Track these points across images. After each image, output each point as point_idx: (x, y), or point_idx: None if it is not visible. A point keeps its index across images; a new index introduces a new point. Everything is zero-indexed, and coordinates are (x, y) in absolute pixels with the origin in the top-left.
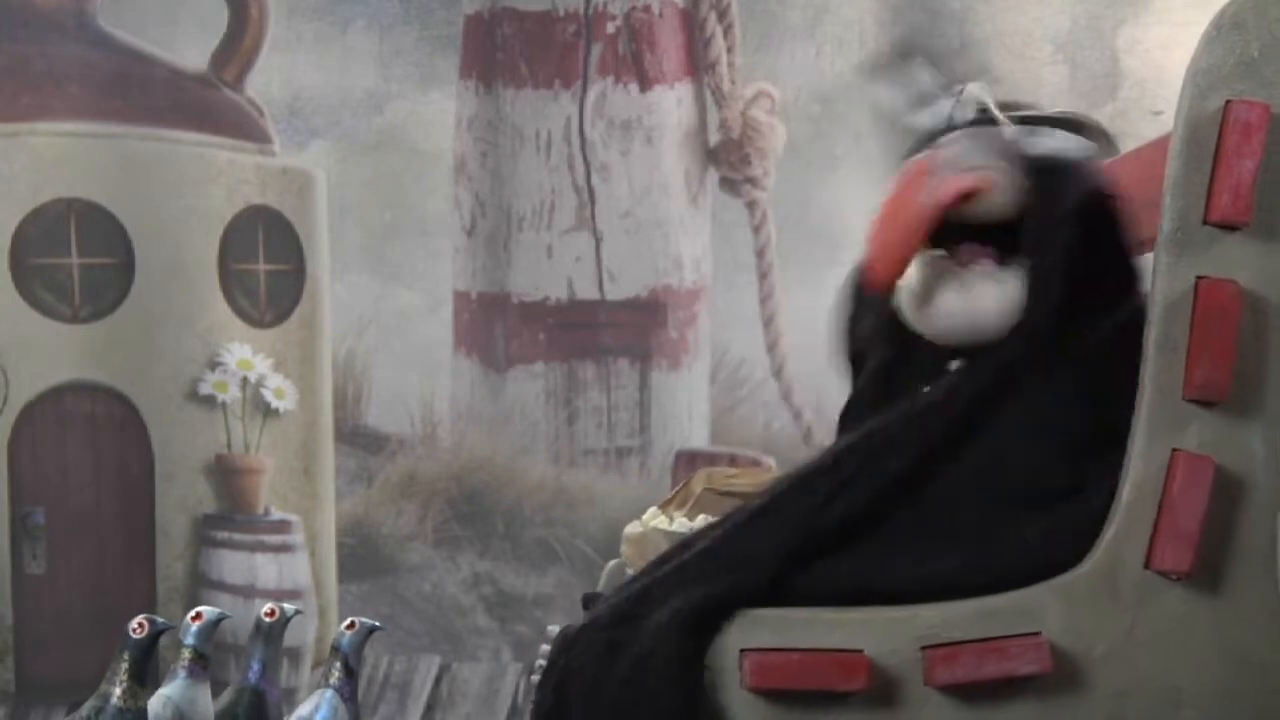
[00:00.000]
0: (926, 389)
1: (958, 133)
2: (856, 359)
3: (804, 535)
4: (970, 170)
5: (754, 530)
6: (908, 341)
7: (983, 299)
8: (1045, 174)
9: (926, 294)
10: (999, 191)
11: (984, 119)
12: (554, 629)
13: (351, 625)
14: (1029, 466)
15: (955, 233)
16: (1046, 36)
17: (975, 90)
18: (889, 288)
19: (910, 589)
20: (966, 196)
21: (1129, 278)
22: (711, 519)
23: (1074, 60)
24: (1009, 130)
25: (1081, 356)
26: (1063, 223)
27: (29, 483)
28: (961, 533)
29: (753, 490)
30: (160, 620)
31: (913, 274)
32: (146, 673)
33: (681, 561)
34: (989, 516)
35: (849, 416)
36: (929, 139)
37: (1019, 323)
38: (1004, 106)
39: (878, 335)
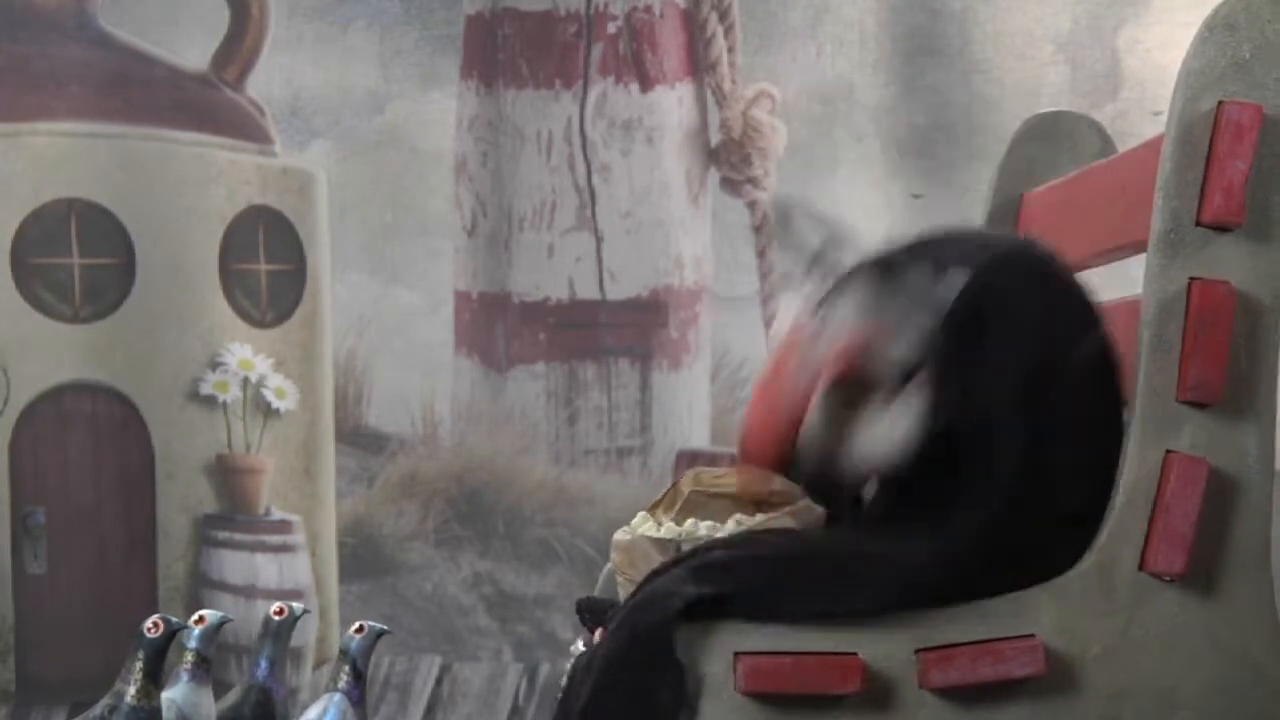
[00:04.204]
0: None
1: (833, 293)
2: None
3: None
4: (849, 330)
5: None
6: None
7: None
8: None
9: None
10: (885, 343)
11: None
12: (577, 646)
13: (360, 629)
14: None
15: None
16: (1047, 36)
17: (836, 236)
18: (775, 465)
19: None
20: (856, 356)
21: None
22: (699, 521)
23: (1074, 60)
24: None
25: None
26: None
27: (29, 483)
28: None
29: (741, 491)
30: (175, 620)
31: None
32: (160, 672)
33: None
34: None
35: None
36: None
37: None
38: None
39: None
